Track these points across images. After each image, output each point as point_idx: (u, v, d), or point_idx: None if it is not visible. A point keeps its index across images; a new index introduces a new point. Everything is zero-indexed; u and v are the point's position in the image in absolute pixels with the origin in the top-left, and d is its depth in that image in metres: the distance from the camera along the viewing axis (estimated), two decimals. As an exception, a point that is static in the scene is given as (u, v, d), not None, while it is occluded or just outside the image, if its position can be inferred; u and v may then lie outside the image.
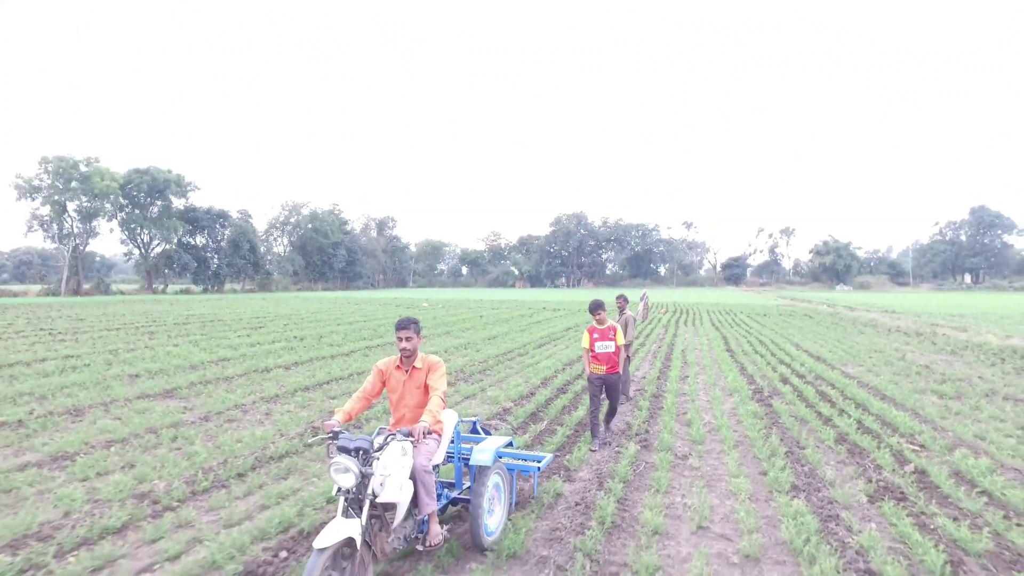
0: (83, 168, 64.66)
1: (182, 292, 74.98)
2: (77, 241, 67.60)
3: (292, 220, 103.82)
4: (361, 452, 3.80)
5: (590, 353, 7.94)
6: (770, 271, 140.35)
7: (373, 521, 3.94)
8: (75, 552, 4.70)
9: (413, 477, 4.16)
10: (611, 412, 8.21)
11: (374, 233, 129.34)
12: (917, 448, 7.49)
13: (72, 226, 67.04)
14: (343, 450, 3.81)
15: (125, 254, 78.43)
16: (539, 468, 5.73)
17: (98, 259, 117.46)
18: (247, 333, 22.23)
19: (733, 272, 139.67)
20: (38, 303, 48.79)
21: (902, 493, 5.95)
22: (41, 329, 23.43)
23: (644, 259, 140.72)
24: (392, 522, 4.03)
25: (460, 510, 5.47)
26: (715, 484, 6.35)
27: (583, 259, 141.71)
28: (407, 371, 4.69)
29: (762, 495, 6.02)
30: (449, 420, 4.93)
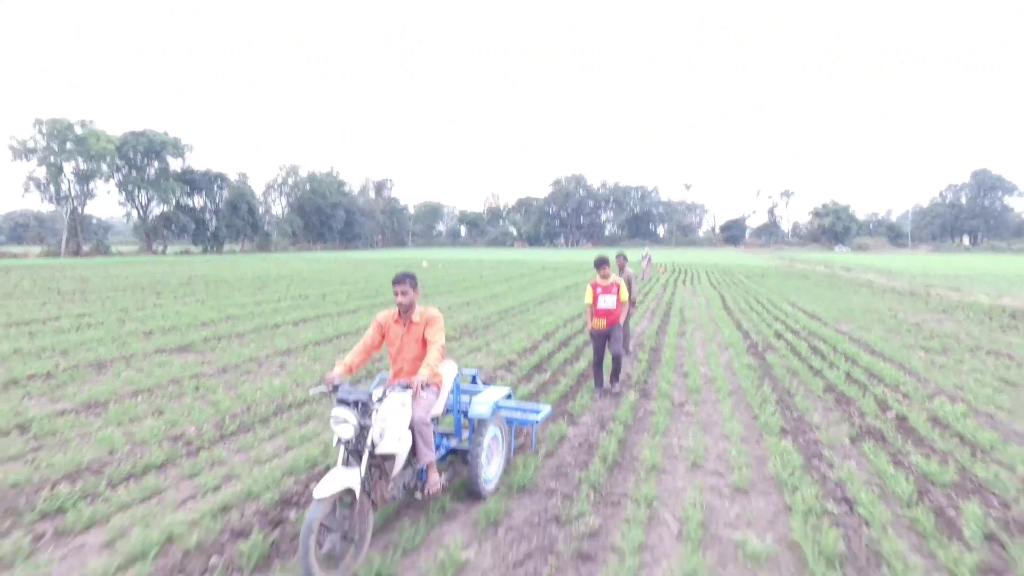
0: (78, 130, 64.04)
1: (182, 253, 75.15)
2: (75, 203, 67.38)
3: (290, 181, 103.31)
4: (360, 404, 3.89)
5: (592, 308, 8.29)
6: (769, 233, 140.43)
7: (373, 471, 4.03)
8: (124, 484, 5.14)
9: (412, 428, 4.28)
10: (616, 367, 8.39)
11: (372, 194, 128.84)
12: (900, 397, 7.93)
13: (70, 188, 66.76)
14: (342, 402, 3.91)
15: (124, 216, 78.20)
16: (537, 420, 5.84)
17: (95, 221, 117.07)
18: (251, 292, 22.61)
19: (732, 233, 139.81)
20: (40, 264, 49.04)
21: (882, 435, 6.40)
22: (48, 289, 23.78)
23: (643, 220, 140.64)
24: (391, 471, 4.15)
25: (459, 461, 5.52)
26: (710, 428, 6.80)
27: (582, 220, 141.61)
28: (405, 324, 4.78)
29: (753, 437, 6.47)
30: (448, 372, 4.99)
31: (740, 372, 9.33)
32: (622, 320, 8.38)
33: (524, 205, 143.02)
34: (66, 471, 5.33)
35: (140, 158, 73.17)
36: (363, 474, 3.82)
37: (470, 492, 4.90)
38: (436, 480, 4.46)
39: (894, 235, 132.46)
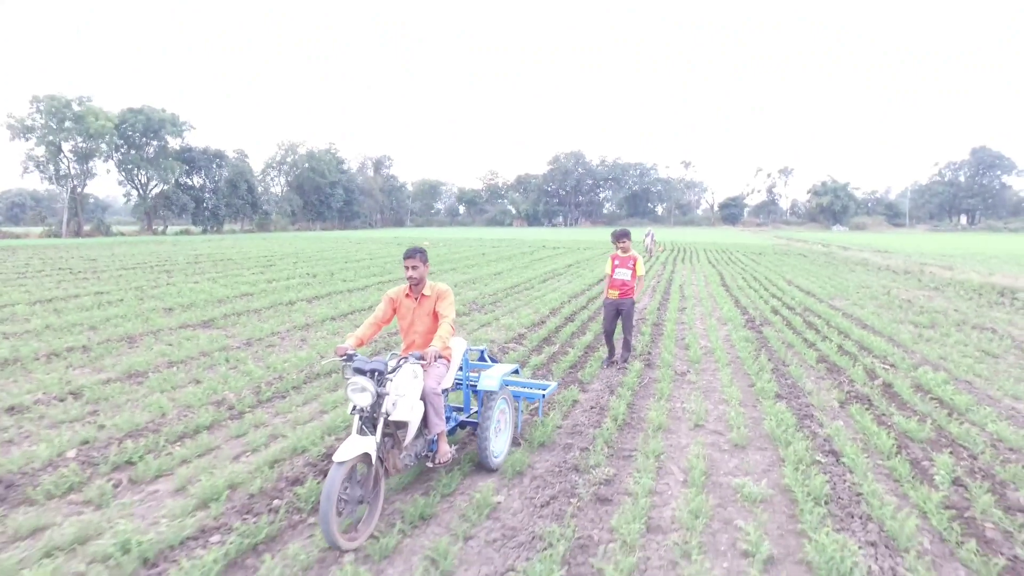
0: (76, 108, 63.72)
1: (181, 233, 75.27)
2: (75, 182, 67.34)
3: (289, 160, 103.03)
4: (376, 373, 4.06)
5: (609, 278, 8.83)
6: (767, 211, 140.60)
7: (386, 439, 4.19)
8: (180, 441, 5.69)
9: (423, 398, 4.44)
10: (625, 344, 8.93)
11: (371, 172, 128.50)
12: (887, 367, 8.49)
13: (69, 167, 66.67)
14: (359, 371, 4.06)
15: (124, 195, 78.15)
16: (544, 395, 6.02)
17: (92, 200, 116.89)
18: (260, 271, 23.06)
19: (730, 212, 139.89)
20: (43, 244, 49.28)
21: (868, 400, 6.97)
22: (60, 268, 24.16)
23: (642, 198, 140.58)
24: (404, 440, 4.32)
25: (468, 435, 5.81)
26: (710, 394, 7.35)
27: (580, 198, 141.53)
28: (416, 299, 4.92)
29: (750, 401, 7.03)
30: (458, 347, 5.13)
31: (738, 344, 9.88)
32: (636, 296, 8.84)
33: (523, 183, 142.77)
34: (127, 431, 5.87)
35: (139, 137, 72.90)
36: (379, 441, 3.99)
37: (479, 465, 5.07)
38: (446, 450, 4.64)
39: (892, 214, 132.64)
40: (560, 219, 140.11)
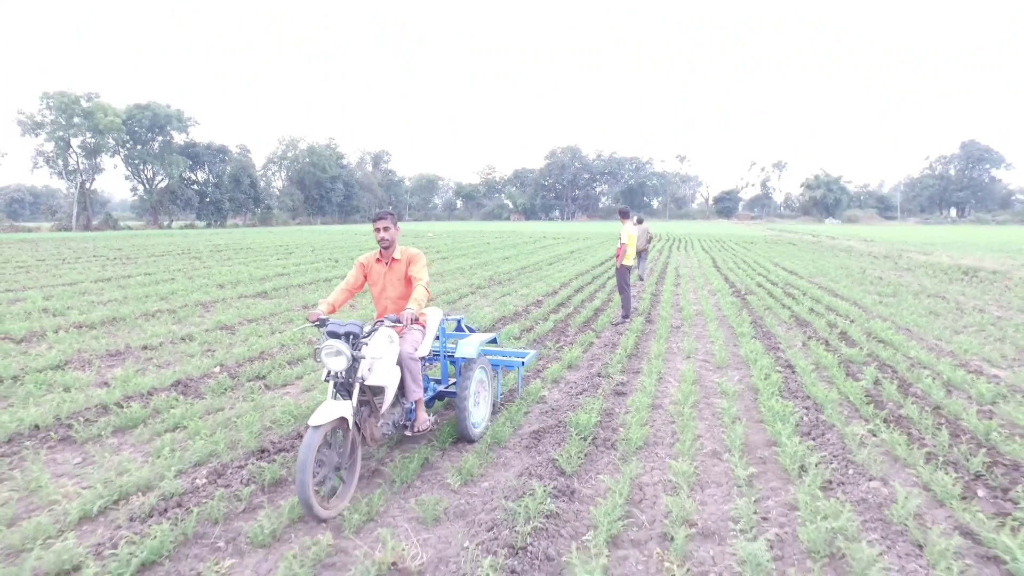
0: (84, 104, 65.13)
1: (186, 227, 76.72)
2: (83, 177, 68.72)
3: (290, 155, 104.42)
4: (351, 336, 3.94)
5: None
6: (761, 205, 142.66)
7: (363, 408, 4.11)
8: (291, 365, 7.39)
9: (400, 363, 4.32)
10: (622, 301, 10.79)
11: (370, 167, 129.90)
12: (847, 322, 10.25)
13: (78, 162, 68.05)
14: (333, 335, 3.94)
15: (131, 189, 79.54)
16: (523, 363, 6.09)
17: (102, 195, 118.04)
18: (281, 257, 24.70)
19: (725, 205, 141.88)
20: (58, 238, 50.62)
21: (825, 341, 8.72)
22: (94, 256, 25.74)
23: (638, 192, 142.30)
24: (381, 407, 4.20)
25: (446, 405, 5.88)
26: (700, 338, 9.10)
27: (577, 192, 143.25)
28: (387, 263, 4.76)
29: (731, 342, 8.78)
30: (434, 317, 5.04)
31: (725, 307, 11.63)
32: (618, 264, 10.61)
33: (520, 177, 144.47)
34: (247, 358, 7.59)
35: (145, 132, 74.29)
36: (355, 406, 3.92)
37: (460, 435, 5.00)
38: (425, 418, 4.55)
39: (884, 207, 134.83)
40: (557, 213, 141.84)
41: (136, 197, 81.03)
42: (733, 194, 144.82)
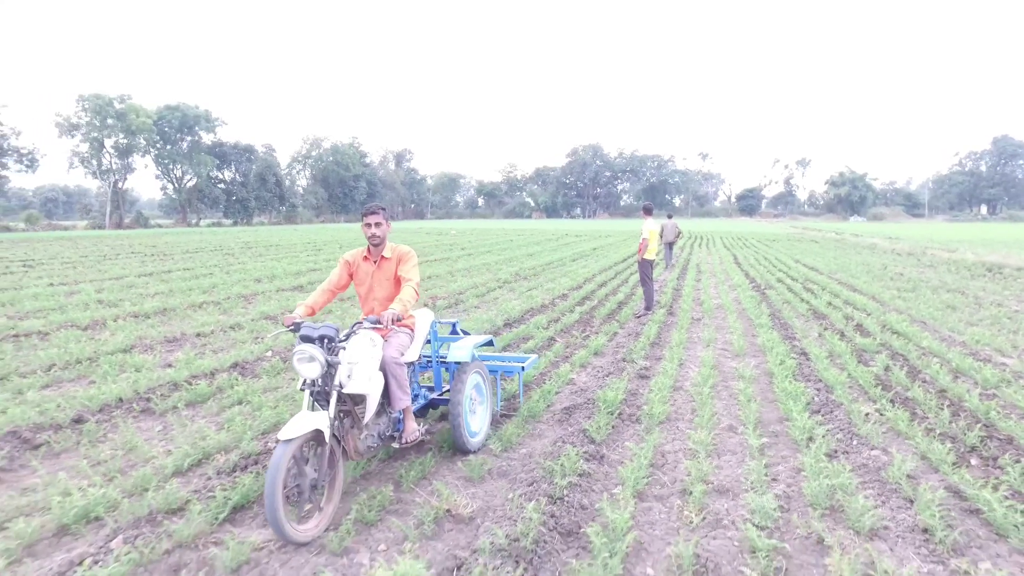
0: (117, 105, 66.99)
1: (214, 225, 78.44)
2: (116, 177, 70.66)
3: (314, 154, 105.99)
4: (326, 340, 3.63)
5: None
6: (785, 202, 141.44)
7: (345, 418, 3.81)
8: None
9: (383, 369, 3.97)
10: (644, 294, 11.23)
11: (392, 165, 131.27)
12: (864, 315, 10.57)
13: (111, 162, 70.02)
14: (306, 339, 3.63)
15: (161, 188, 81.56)
16: (523, 368, 5.62)
17: (132, 193, 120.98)
18: (311, 254, 25.44)
19: (747, 203, 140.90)
20: (93, 235, 52.17)
21: (841, 332, 9.08)
22: (132, 253, 26.74)
23: (659, 190, 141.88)
24: (364, 417, 3.84)
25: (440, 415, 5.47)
26: (719, 329, 9.52)
27: (599, 190, 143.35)
28: (375, 261, 4.42)
29: (749, 332, 9.19)
30: (424, 319, 4.69)
31: (744, 301, 12.01)
32: (640, 257, 10.98)
33: (541, 175, 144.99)
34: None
35: (174, 133, 76.13)
36: (332, 416, 3.57)
37: (455, 448, 4.65)
38: (414, 428, 4.21)
39: (911, 204, 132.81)
40: (578, 211, 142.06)
41: (165, 196, 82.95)
42: (756, 192, 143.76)
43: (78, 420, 5.26)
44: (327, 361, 3.55)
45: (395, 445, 4.24)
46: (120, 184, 72.13)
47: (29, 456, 4.57)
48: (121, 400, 5.79)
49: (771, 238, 41.03)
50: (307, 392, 3.66)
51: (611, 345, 8.39)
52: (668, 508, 3.85)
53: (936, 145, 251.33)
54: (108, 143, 68.72)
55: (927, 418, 5.29)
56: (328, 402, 3.63)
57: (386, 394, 4.04)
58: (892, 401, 5.70)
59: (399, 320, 3.93)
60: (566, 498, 3.81)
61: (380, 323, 3.86)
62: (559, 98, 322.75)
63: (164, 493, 3.84)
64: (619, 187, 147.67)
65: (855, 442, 4.78)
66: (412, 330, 4.48)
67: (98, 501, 3.71)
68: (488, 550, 3.20)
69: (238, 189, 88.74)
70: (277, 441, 3.37)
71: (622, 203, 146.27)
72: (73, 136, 66.05)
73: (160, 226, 72.16)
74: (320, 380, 3.61)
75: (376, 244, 4.39)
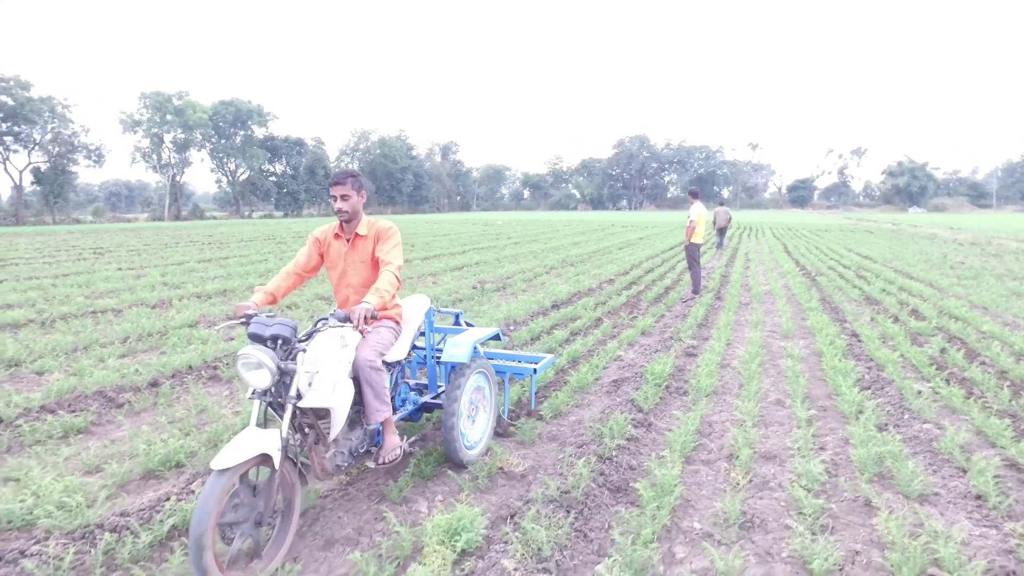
0: (176, 102, 69.54)
1: (265, 217, 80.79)
2: (174, 170, 73.46)
3: (362, 147, 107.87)
4: (280, 342, 2.94)
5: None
6: (838, 193, 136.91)
7: (307, 432, 3.16)
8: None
9: (356, 375, 3.29)
10: (692, 277, 11.20)
11: (438, 158, 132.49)
12: (920, 300, 10.30)
13: (170, 156, 72.81)
14: (256, 339, 2.96)
15: (216, 181, 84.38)
16: (535, 371, 4.81)
17: (189, 187, 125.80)
18: (362, 243, 26.02)
19: (799, 194, 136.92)
20: (154, 227, 54.51)
21: (895, 316, 8.90)
22: (191, 242, 27.89)
23: (707, 181, 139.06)
24: (330, 433, 3.17)
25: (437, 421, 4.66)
26: (768, 313, 9.44)
27: (645, 182, 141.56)
28: (348, 240, 3.66)
29: (799, 315, 9.09)
30: (417, 307, 4.05)
31: (794, 287, 11.84)
32: (687, 241, 10.93)
33: (587, 167, 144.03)
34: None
35: (228, 127, 78.59)
36: (284, 435, 2.87)
37: (447, 458, 3.99)
38: (395, 443, 3.53)
39: (977, 195, 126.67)
40: (624, 203, 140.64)
41: (219, 189, 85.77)
42: (808, 183, 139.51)
43: (154, 384, 5.65)
44: (279, 368, 2.86)
45: (371, 464, 3.51)
46: (178, 178, 74.89)
47: (114, 413, 4.96)
48: (191, 368, 6.17)
49: (823, 228, 39.93)
50: (257, 402, 2.96)
51: (658, 326, 8.44)
52: (715, 471, 3.94)
53: (1006, 131, 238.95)
54: (167, 138, 71.39)
55: (984, 396, 5.20)
56: (282, 415, 2.95)
57: (360, 404, 3.36)
58: (947, 380, 5.61)
59: (374, 318, 3.18)
60: (615, 458, 3.94)
61: (350, 320, 3.11)
62: (605, 89, 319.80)
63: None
64: (666, 179, 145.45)
65: (906, 416, 4.75)
66: (397, 323, 3.75)
67: (178, 450, 4.03)
68: (541, 499, 3.36)
69: (288, 182, 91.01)
70: (210, 470, 2.72)
71: (669, 195, 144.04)
72: (135, 132, 68.84)
73: (215, 218, 74.80)
74: (272, 390, 2.94)
75: (347, 220, 3.60)
